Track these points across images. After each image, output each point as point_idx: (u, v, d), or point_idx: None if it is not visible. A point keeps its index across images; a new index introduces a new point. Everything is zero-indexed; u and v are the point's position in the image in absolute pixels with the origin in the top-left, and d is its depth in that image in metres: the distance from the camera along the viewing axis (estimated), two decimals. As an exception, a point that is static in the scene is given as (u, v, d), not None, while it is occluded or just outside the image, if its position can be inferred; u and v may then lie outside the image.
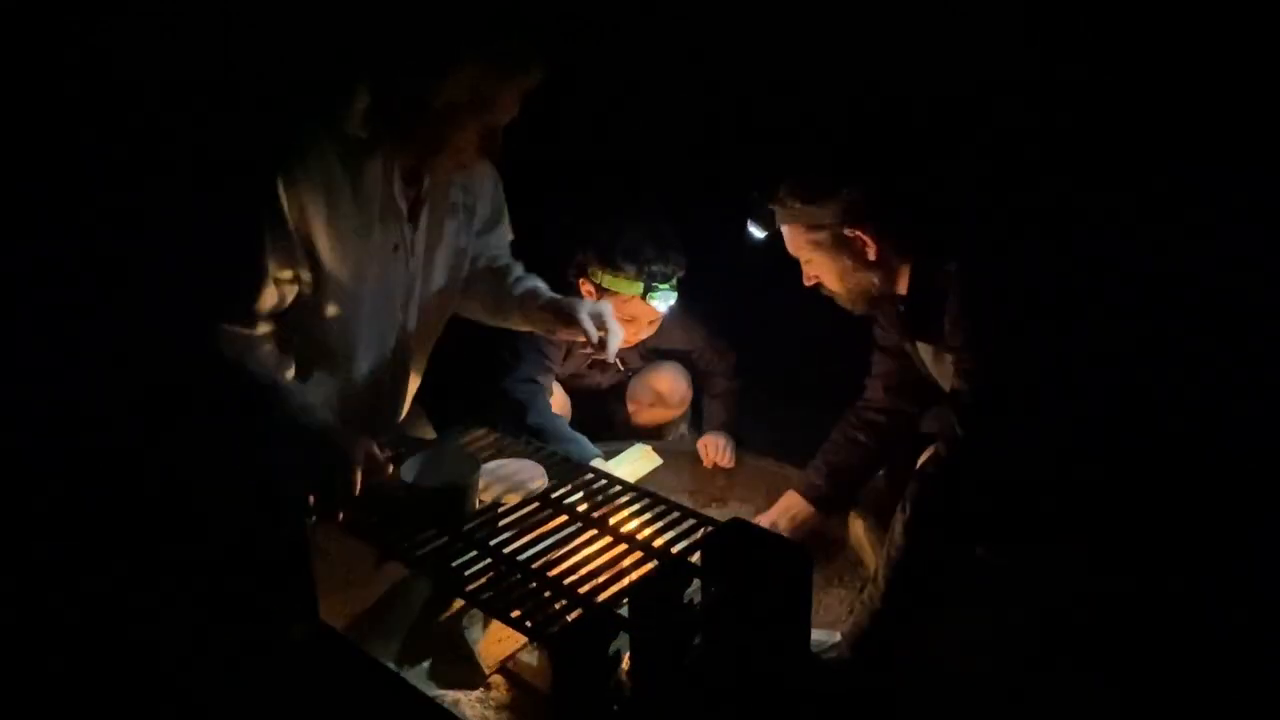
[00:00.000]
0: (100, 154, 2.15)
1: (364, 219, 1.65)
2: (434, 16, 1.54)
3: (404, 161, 1.67)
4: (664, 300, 2.21)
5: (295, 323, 1.69)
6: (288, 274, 1.62)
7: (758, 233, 1.82)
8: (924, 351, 1.86)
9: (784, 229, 1.79)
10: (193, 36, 2.21)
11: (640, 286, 2.19)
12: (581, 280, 2.28)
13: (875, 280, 1.76)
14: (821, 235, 1.74)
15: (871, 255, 1.73)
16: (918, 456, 1.81)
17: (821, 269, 1.78)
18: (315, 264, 1.63)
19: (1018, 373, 1.65)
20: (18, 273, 2.07)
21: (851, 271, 1.76)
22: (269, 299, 1.62)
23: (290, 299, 1.66)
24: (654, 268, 2.18)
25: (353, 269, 1.67)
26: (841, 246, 1.74)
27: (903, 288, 1.78)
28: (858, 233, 1.71)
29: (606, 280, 2.21)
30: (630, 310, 2.24)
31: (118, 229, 2.09)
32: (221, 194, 1.62)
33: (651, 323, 2.31)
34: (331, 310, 1.69)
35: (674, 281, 2.22)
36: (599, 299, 2.20)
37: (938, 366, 1.83)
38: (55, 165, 2.13)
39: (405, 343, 1.84)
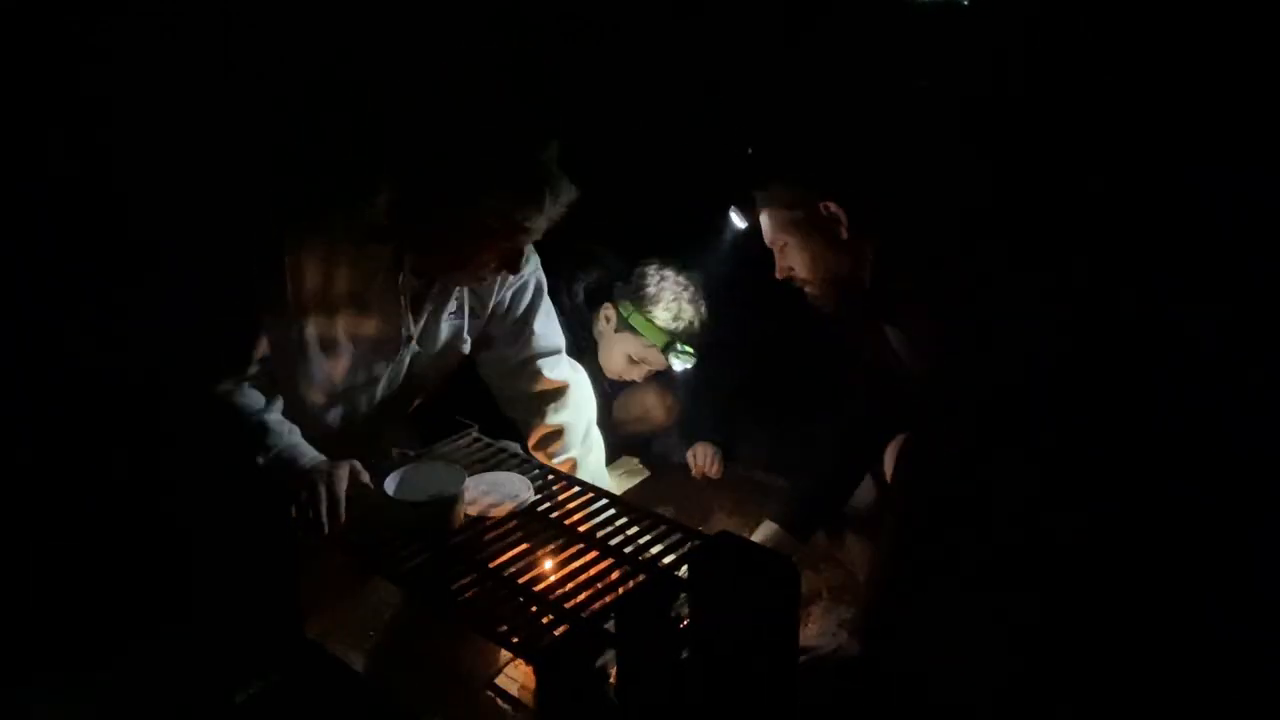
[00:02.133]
0: (108, 190, 2.15)
1: (362, 298, 1.67)
2: (473, 141, 1.55)
3: (424, 266, 1.68)
4: (682, 362, 2.28)
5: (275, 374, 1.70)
6: (278, 330, 1.64)
7: (739, 222, 1.87)
8: (894, 337, 1.85)
9: (763, 214, 1.81)
10: (223, 100, 2.21)
11: (665, 340, 2.27)
12: (607, 304, 2.33)
13: (845, 264, 1.76)
14: (796, 214, 1.75)
15: (843, 234, 1.73)
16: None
17: (794, 255, 1.79)
18: (302, 329, 1.65)
19: (996, 364, 1.65)
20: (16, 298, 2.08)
21: (822, 254, 1.76)
22: (260, 350, 1.64)
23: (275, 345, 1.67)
24: (686, 329, 2.26)
25: (337, 343, 1.69)
26: (814, 224, 1.74)
27: (869, 274, 1.78)
28: (830, 207, 1.72)
29: (636, 320, 2.27)
30: (644, 354, 2.31)
31: (119, 266, 2.09)
32: (226, 247, 1.64)
33: (652, 371, 2.37)
34: (309, 374, 1.71)
35: (697, 349, 2.29)
36: (617, 330, 2.30)
37: (911, 353, 1.83)
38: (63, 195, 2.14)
39: (379, 415, 1.88)
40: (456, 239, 1.59)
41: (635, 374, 2.38)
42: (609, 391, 2.52)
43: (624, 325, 2.30)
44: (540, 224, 1.60)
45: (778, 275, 1.83)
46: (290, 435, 1.65)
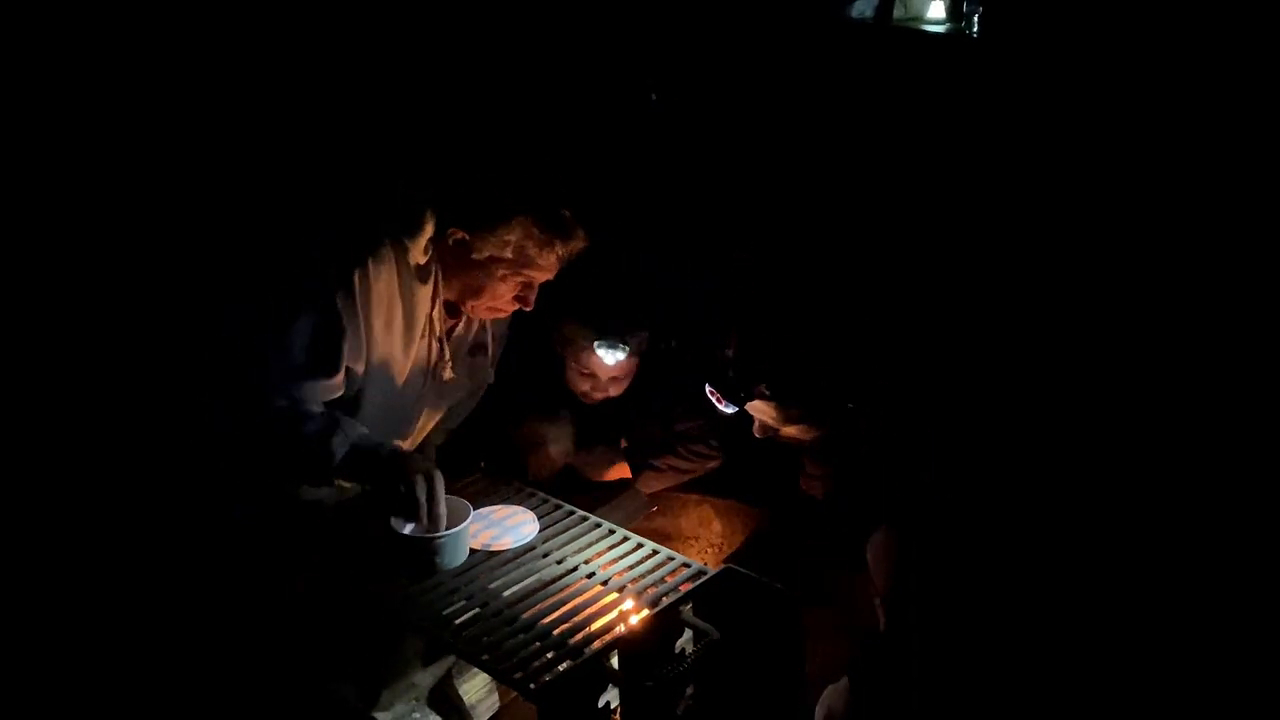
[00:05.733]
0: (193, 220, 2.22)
1: (408, 336, 1.74)
2: (492, 175, 1.68)
3: (447, 295, 1.78)
4: (610, 354, 2.20)
5: None
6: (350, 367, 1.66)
7: (727, 409, 1.73)
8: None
9: (779, 409, 1.69)
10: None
11: (590, 334, 2.20)
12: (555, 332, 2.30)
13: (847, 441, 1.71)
14: (821, 418, 1.67)
15: (868, 447, 1.67)
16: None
17: (800, 434, 1.72)
18: (358, 364, 1.67)
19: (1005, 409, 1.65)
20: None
21: (832, 439, 1.70)
22: (336, 387, 1.64)
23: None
24: (607, 322, 2.19)
25: (383, 378, 1.73)
26: (843, 422, 1.67)
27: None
28: (864, 417, 1.65)
29: (569, 329, 2.23)
30: (589, 364, 2.24)
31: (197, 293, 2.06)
32: (311, 285, 1.63)
33: (612, 380, 2.28)
34: (358, 405, 1.72)
35: (623, 342, 2.21)
36: (565, 351, 2.26)
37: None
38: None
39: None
40: (474, 267, 1.69)
41: (595, 389, 2.32)
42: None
43: (565, 341, 2.25)
44: (552, 261, 1.69)
45: (757, 434, 1.76)
46: (362, 428, 1.62)
